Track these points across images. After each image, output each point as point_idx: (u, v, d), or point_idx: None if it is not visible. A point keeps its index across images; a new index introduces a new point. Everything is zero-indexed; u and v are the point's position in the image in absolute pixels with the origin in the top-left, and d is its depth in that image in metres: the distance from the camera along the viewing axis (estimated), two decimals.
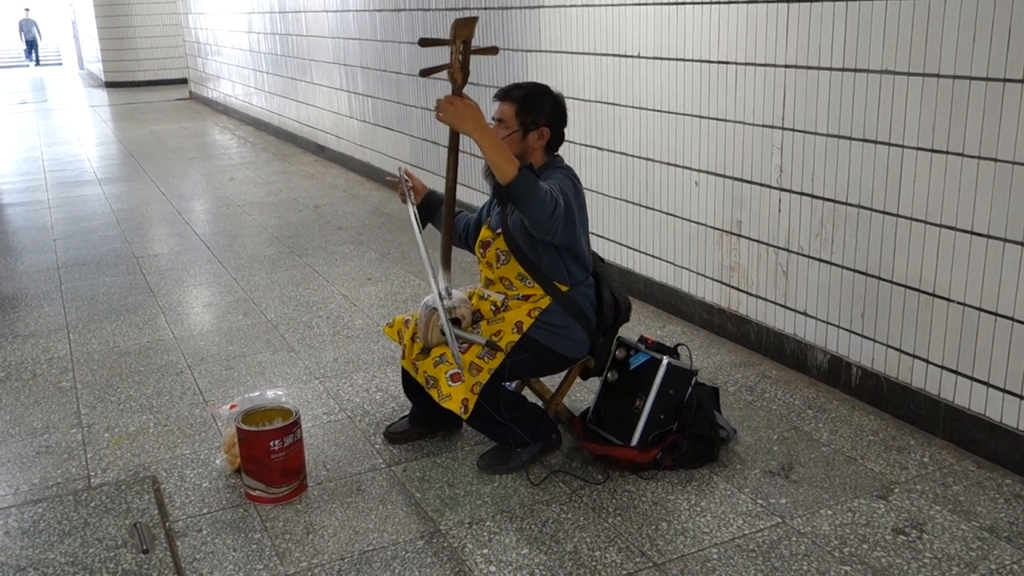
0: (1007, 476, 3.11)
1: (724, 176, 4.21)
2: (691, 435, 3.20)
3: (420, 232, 3.20)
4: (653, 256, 4.79)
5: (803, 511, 2.94)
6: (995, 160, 3.04)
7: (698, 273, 4.50)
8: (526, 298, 3.18)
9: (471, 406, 3.00)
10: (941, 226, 3.26)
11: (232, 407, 3.23)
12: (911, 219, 3.36)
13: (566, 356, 3.21)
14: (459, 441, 3.45)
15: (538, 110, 3.09)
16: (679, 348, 3.29)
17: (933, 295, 3.34)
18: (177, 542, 2.88)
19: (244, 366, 4.24)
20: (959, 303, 3.25)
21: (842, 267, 3.68)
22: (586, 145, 5.16)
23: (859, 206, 3.55)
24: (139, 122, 13.74)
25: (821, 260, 3.78)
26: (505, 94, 3.12)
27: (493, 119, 3.11)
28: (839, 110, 3.55)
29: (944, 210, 3.23)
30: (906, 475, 3.14)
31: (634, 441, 3.17)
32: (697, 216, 4.43)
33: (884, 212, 3.45)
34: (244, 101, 13.12)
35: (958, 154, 3.15)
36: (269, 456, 3.03)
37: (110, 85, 19.88)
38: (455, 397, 3.00)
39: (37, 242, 6.67)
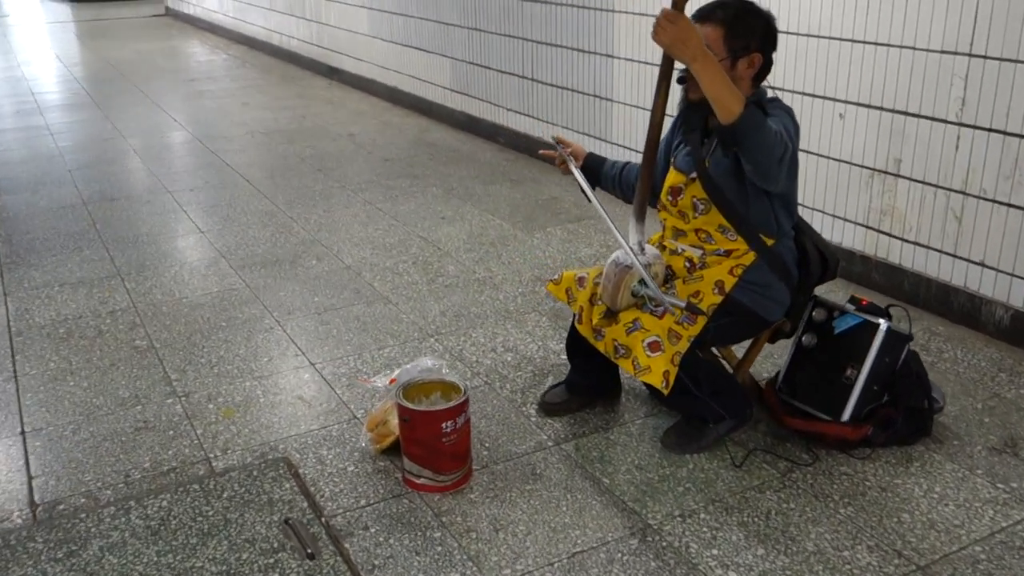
0: None
1: (880, 108, 3.76)
2: (907, 408, 2.82)
3: (593, 198, 2.75)
4: None
5: None
6: None
7: (837, 216, 4.07)
8: (727, 253, 2.74)
9: (672, 379, 2.58)
10: None
11: (391, 382, 2.77)
12: None
13: (767, 319, 2.80)
14: (625, 413, 3.04)
15: (749, 32, 2.60)
16: (891, 309, 2.88)
17: None
18: (345, 543, 2.44)
19: (340, 320, 3.76)
20: None
21: None
22: None
23: None
24: (118, 40, 12.81)
25: (1009, 205, 3.37)
26: (708, 14, 2.61)
27: None
28: None
29: None
30: None
31: (846, 416, 2.78)
32: (840, 153, 3.99)
33: None
34: (235, 18, 12.26)
35: None
36: (440, 439, 2.59)
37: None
38: (655, 369, 2.57)
39: (51, 174, 6.03)
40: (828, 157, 4.04)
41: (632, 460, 2.78)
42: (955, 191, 3.55)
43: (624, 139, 5.31)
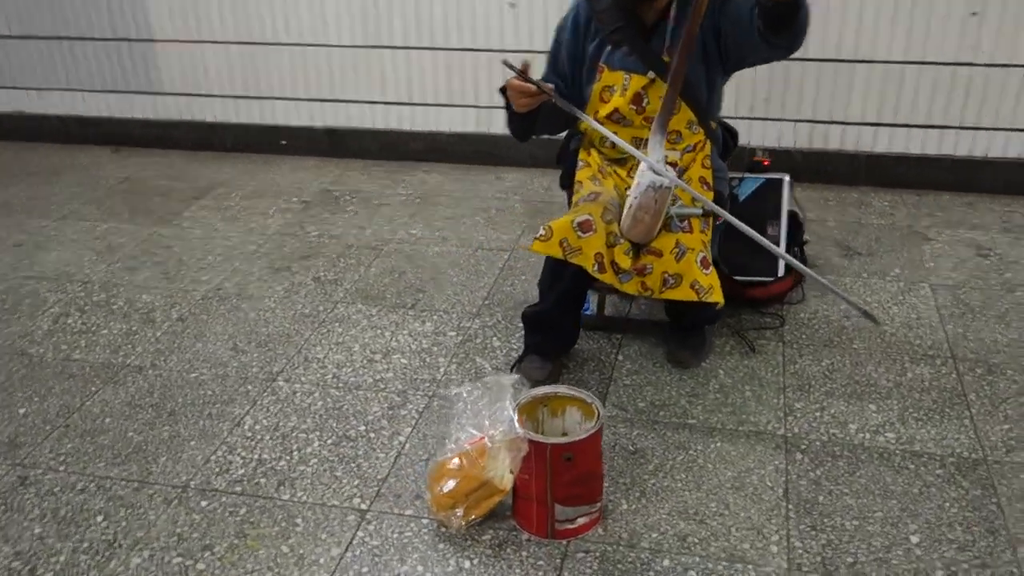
0: None
1: None
2: (799, 246, 3.07)
3: (594, 122, 2.36)
4: None
5: None
6: None
7: None
8: (693, 148, 2.58)
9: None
10: None
11: (481, 439, 2.04)
12: None
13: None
14: (603, 356, 2.73)
15: None
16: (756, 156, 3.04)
17: None
18: None
19: None
20: None
21: None
22: None
23: None
24: None
25: None
26: None
27: None
28: None
29: None
30: None
31: (781, 271, 2.93)
32: None
33: None
34: None
35: None
36: (600, 459, 2.07)
37: None
38: (716, 286, 2.39)
39: None
40: (503, 50, 3.92)
41: (687, 391, 2.55)
42: None
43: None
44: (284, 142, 4.35)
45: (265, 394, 2.56)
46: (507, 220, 3.63)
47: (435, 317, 2.93)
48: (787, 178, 2.91)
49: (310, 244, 3.46)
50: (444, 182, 4.03)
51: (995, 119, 3.68)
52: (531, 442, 1.97)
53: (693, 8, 2.18)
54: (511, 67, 2.31)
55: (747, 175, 2.93)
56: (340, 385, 2.60)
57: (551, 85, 2.37)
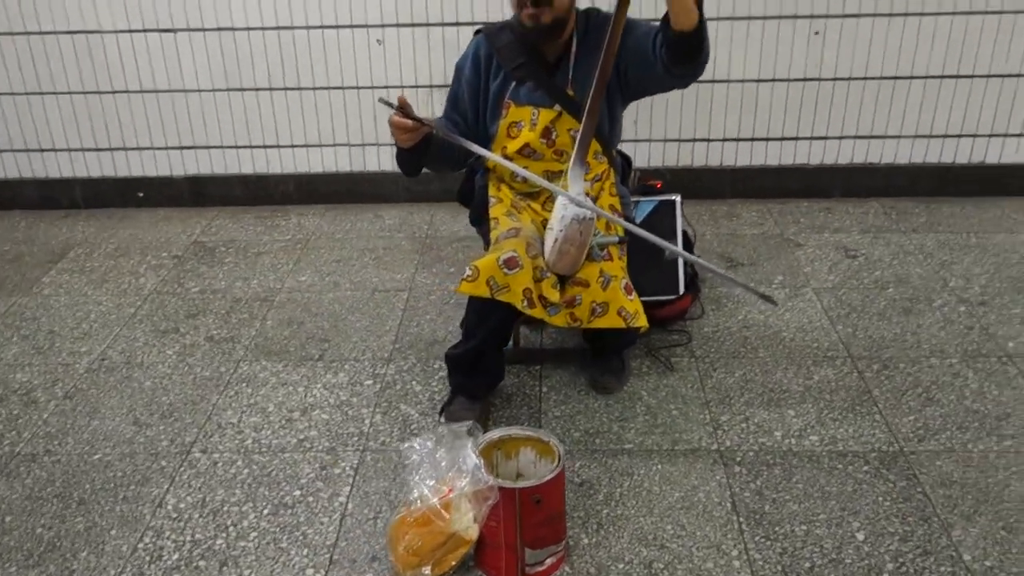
0: None
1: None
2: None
3: (488, 153, 2.37)
4: None
5: None
6: None
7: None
8: (599, 177, 2.63)
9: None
10: None
11: (448, 492, 1.99)
12: None
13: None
14: (529, 391, 2.73)
15: None
16: (650, 182, 3.13)
17: None
18: None
19: None
20: None
21: None
22: None
23: None
24: None
25: None
26: None
27: None
28: None
29: None
30: None
31: (681, 288, 3.02)
32: (386, 80, 3.85)
33: None
34: None
35: None
36: (564, 498, 2.07)
37: None
38: (640, 310, 2.44)
39: None
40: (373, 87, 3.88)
41: (616, 416, 2.58)
42: None
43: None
44: (141, 194, 4.11)
45: (182, 468, 2.41)
46: (397, 259, 3.57)
47: (347, 367, 2.84)
48: (678, 198, 3.01)
49: (193, 301, 3.28)
50: (322, 224, 3.92)
51: (841, 128, 3.94)
52: (500, 489, 1.95)
53: (607, 44, 2.22)
54: (388, 104, 2.28)
55: (642, 199, 3.01)
56: (263, 449, 2.47)
57: (432, 119, 2.35)
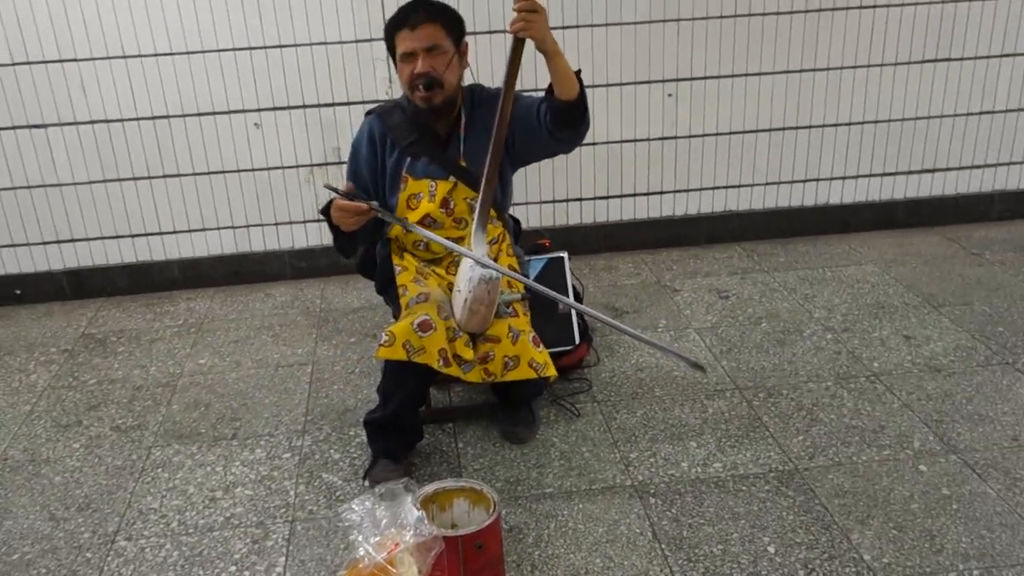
0: None
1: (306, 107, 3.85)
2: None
3: (418, 228, 2.52)
4: None
5: None
6: None
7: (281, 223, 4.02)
8: (495, 240, 2.80)
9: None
10: None
11: (394, 547, 2.06)
12: None
13: None
14: (446, 448, 2.83)
15: (460, 23, 2.63)
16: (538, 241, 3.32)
17: None
18: None
19: None
20: None
21: None
22: None
23: None
24: None
25: None
26: (429, 15, 2.54)
27: (419, 50, 2.53)
28: None
29: None
30: None
31: (577, 339, 3.20)
32: (267, 162, 3.92)
33: None
34: None
35: None
36: (502, 543, 2.17)
37: None
38: (548, 361, 2.61)
39: None
40: (253, 169, 3.94)
41: (533, 463, 2.71)
42: None
43: None
44: (19, 291, 4.01)
45: (109, 558, 2.38)
46: (295, 334, 3.62)
47: (262, 442, 2.87)
48: (566, 255, 3.20)
49: (92, 393, 3.24)
50: (213, 306, 3.93)
51: (700, 181, 4.27)
52: (444, 538, 2.04)
53: (499, 116, 2.39)
54: (335, 190, 2.41)
55: (532, 257, 3.19)
56: (190, 530, 2.47)
57: (375, 202, 2.48)
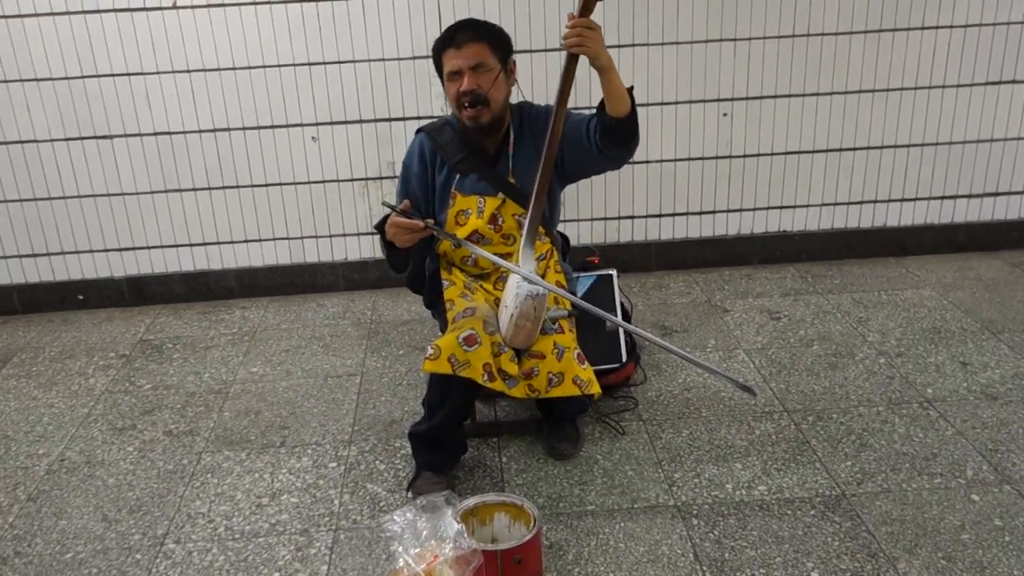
0: None
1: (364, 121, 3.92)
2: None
3: (468, 243, 2.56)
4: None
5: None
6: None
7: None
8: (544, 256, 2.81)
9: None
10: None
11: (434, 559, 2.08)
12: None
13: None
14: (490, 463, 2.84)
15: (506, 41, 2.66)
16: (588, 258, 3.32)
17: None
18: None
19: None
20: None
21: None
22: None
23: None
24: None
25: None
26: (475, 34, 2.57)
27: (464, 68, 2.56)
28: None
29: None
30: None
31: (624, 357, 3.19)
32: (323, 175, 3.99)
33: None
34: None
35: None
36: (542, 558, 2.18)
37: None
38: (593, 378, 2.61)
39: None
40: (309, 182, 4.02)
41: (576, 480, 2.71)
42: None
43: None
44: (81, 297, 4.13)
45: (158, 560, 2.43)
46: (345, 345, 3.67)
47: (309, 451, 2.91)
48: (615, 273, 3.20)
49: (147, 398, 3.31)
50: (266, 316, 4.00)
51: (754, 201, 4.23)
52: (482, 552, 2.05)
53: (550, 134, 2.41)
54: (391, 207, 2.45)
55: (581, 274, 3.19)
56: (236, 536, 2.52)
57: (431, 220, 2.51)
